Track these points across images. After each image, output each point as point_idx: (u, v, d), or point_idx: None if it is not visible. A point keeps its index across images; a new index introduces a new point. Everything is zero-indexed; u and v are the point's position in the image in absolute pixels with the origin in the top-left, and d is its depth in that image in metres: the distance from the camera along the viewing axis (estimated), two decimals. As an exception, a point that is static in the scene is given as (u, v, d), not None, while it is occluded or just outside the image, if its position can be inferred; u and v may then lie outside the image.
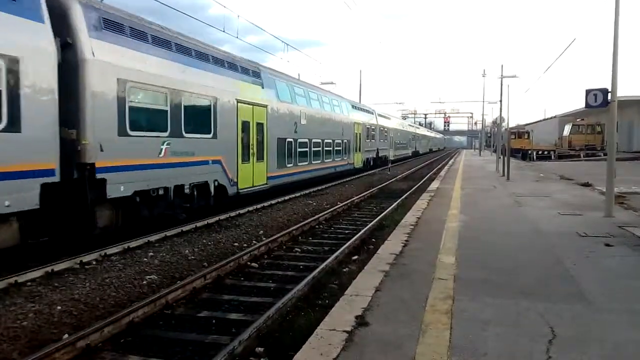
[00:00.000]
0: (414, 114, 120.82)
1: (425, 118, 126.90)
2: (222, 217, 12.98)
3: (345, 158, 26.62)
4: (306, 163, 20.48)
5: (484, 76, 54.94)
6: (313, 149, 21.43)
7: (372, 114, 36.34)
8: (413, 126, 69.90)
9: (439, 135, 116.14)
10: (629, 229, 9.09)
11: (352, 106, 29.96)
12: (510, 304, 5.05)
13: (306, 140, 20.48)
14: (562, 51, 47.45)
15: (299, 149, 19.55)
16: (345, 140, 26.56)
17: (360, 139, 30.21)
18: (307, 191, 19.44)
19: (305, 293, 7.06)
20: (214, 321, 6.20)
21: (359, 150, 29.98)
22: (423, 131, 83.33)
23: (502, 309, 4.91)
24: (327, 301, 6.62)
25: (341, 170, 26.13)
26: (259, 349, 5.27)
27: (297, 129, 19.24)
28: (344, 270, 8.39)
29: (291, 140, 18.79)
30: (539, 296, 5.31)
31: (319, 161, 22.47)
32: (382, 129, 38.22)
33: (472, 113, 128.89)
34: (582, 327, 4.47)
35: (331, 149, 24.16)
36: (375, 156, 35.27)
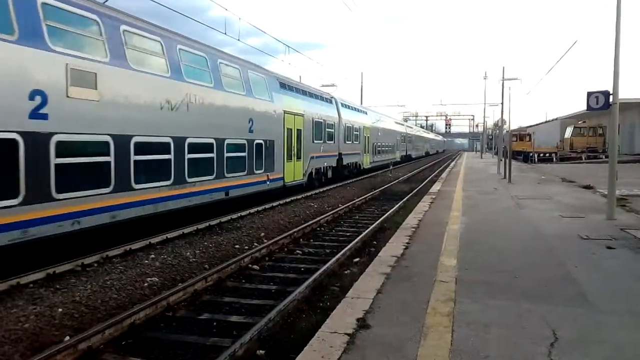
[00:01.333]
0: (416, 116, 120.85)
1: (427, 120, 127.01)
2: (224, 219, 12.99)
3: (259, 171, 15.59)
4: (106, 192, 9.29)
5: (485, 78, 55.03)
6: (137, 157, 9.92)
7: (331, 102, 25.24)
8: (403, 124, 55.92)
9: (437, 137, 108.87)
10: (630, 231, 9.07)
11: (281, 85, 18.36)
12: (511, 307, 5.04)
13: (102, 138, 9.24)
14: (563, 53, 47.57)
15: (58, 161, 8.20)
16: (258, 142, 15.50)
17: (299, 139, 19.31)
18: (309, 193, 19.43)
19: (306, 295, 7.06)
20: (214, 323, 6.20)
21: (298, 157, 19.17)
22: (417, 131, 72.47)
23: (503, 312, 4.90)
24: (328, 303, 6.63)
25: (247, 194, 14.87)
26: (260, 351, 5.28)
27: (43, 108, 7.97)
28: (345, 272, 8.39)
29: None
30: (540, 298, 5.30)
31: (167, 183, 10.95)
32: (349, 126, 27.57)
33: (473, 115, 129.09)
34: (584, 330, 4.46)
35: (213, 156, 12.90)
36: (335, 164, 24.79)
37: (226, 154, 13.57)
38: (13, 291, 7.00)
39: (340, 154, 25.54)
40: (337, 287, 7.44)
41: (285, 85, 18.94)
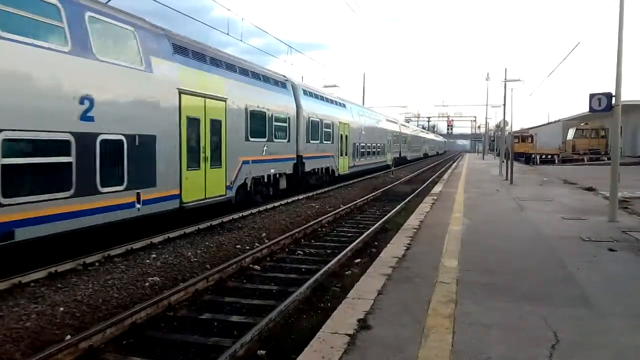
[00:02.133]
0: (418, 117, 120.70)
1: (429, 121, 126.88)
2: (225, 219, 13.00)
3: (114, 189, 9.37)
4: None
5: (487, 80, 55.19)
6: None
7: (284, 87, 18.65)
8: (396, 122, 47.38)
9: (438, 138, 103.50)
10: (633, 234, 9.05)
11: (177, 49, 11.70)
12: (513, 308, 5.04)
13: None
14: (566, 55, 47.47)
15: None
16: (110, 138, 9.28)
17: (217, 135, 13.06)
18: (310, 194, 19.43)
19: (307, 296, 7.06)
20: (216, 323, 6.20)
21: (214, 163, 12.87)
22: (414, 130, 64.88)
23: (505, 313, 4.90)
24: (329, 304, 6.63)
25: (76, 229, 8.54)
26: (261, 351, 5.28)
27: None
28: (347, 273, 8.39)
29: None
30: (542, 300, 5.30)
31: None
32: (315, 120, 21.31)
33: (475, 117, 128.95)
34: (586, 332, 4.45)
35: None
36: (291, 171, 18.67)
37: (2, 161, 7.22)
38: (15, 290, 7.01)
39: (300, 157, 19.41)
40: (338, 288, 7.44)
41: (187, 51, 12.01)
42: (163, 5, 13.20)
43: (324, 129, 22.60)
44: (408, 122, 74.82)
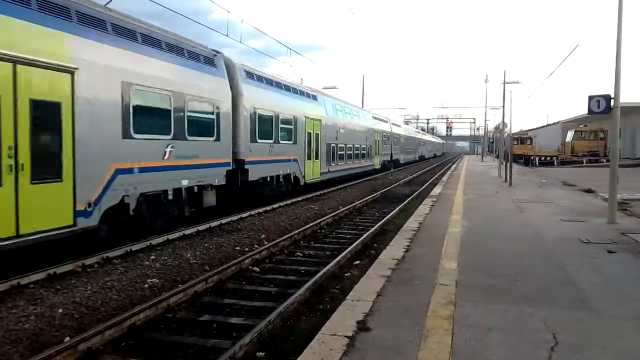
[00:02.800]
0: (417, 119, 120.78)
1: (428, 123, 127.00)
2: (224, 220, 12.99)
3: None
4: None
5: (486, 82, 55.26)
6: None
7: (211, 65, 13.39)
8: (386, 121, 41.64)
9: (435, 139, 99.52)
10: (632, 235, 9.06)
11: None
12: (512, 310, 5.03)
13: None
14: (565, 57, 47.56)
15: None
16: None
17: (51, 128, 8.08)
18: (309, 195, 19.43)
19: (306, 297, 7.06)
20: (215, 325, 6.20)
21: (39, 176, 7.70)
22: (408, 130, 57.28)
23: (504, 315, 4.90)
24: (328, 306, 6.62)
25: None
26: (260, 353, 5.28)
27: None
28: (346, 275, 8.39)
29: None
30: (541, 302, 5.29)
31: None
32: (266, 115, 16.53)
33: (474, 118, 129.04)
34: (585, 334, 4.45)
35: None
36: (218, 181, 13.22)
37: None
38: (13, 291, 6.99)
39: (240, 162, 14.63)
40: (337, 290, 7.43)
41: None
42: (161, 6, 13.21)
43: (282, 125, 17.71)
44: (407, 124, 73.89)
